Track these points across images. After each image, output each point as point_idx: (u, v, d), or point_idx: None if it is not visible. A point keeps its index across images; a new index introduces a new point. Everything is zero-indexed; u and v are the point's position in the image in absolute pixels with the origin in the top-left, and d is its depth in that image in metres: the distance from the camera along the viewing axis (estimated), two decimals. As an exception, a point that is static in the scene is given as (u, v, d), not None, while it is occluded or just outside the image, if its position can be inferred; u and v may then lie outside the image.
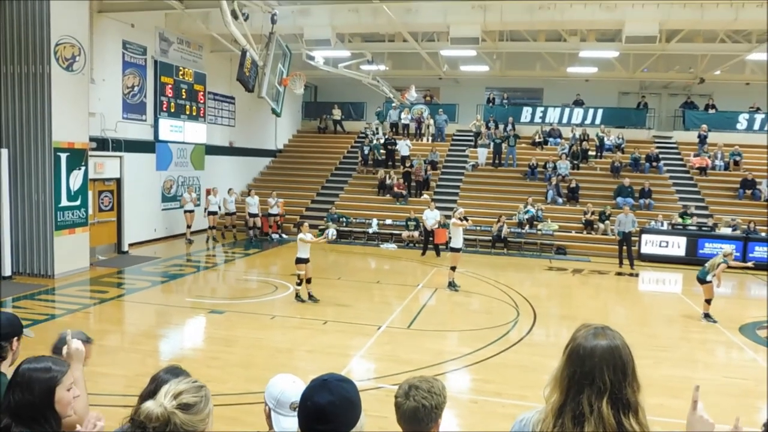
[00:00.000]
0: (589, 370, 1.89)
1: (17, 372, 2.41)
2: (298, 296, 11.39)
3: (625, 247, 16.75)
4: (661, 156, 22.43)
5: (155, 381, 2.69)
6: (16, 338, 2.99)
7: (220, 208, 19.27)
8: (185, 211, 18.30)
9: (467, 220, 13.50)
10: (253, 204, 19.47)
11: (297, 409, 2.34)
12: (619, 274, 15.84)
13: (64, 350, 3.05)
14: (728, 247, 12.30)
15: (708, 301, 10.92)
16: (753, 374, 8.02)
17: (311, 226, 14.21)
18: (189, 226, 18.36)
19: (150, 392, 2.62)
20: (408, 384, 2.31)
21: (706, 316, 10.90)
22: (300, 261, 11.24)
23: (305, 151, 26.02)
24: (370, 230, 20.03)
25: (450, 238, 13.52)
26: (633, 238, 17.32)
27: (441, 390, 2.33)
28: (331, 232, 17.18)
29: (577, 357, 1.93)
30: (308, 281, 11.38)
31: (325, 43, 16.46)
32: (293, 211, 21.25)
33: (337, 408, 1.93)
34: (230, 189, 20.10)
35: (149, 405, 1.91)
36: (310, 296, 11.35)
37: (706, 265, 11.14)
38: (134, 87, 16.86)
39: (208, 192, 19.81)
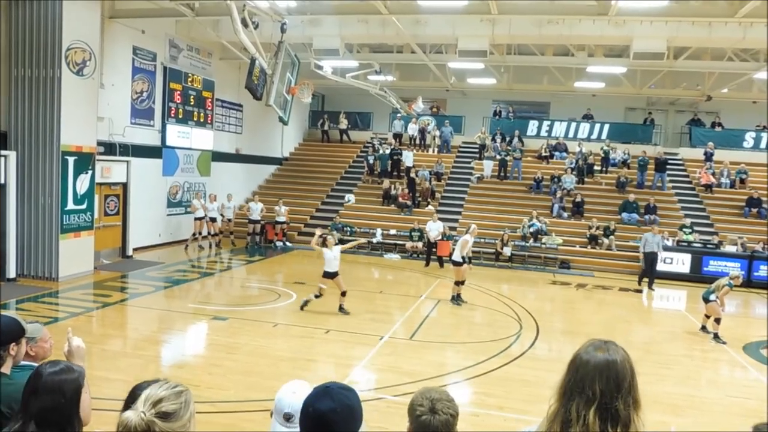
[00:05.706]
0: (581, 379, 1.96)
1: (39, 378, 2.31)
2: (305, 302, 11.20)
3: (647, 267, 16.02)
4: (666, 172, 22.36)
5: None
6: (15, 343, 2.88)
7: (222, 215, 19.21)
8: (196, 219, 18.28)
9: (470, 261, 13.42)
10: (256, 210, 19.46)
11: (290, 420, 2.31)
12: (623, 289, 15.77)
13: (65, 347, 3.00)
14: (735, 271, 12.22)
15: (717, 321, 10.81)
16: (756, 393, 7.96)
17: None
18: (194, 234, 18.26)
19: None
20: (425, 398, 2.16)
21: (715, 336, 10.76)
22: (327, 275, 11.06)
23: (311, 159, 26.08)
24: (375, 240, 20.02)
25: (453, 250, 13.43)
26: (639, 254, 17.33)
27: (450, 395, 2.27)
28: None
29: (573, 366, 2.02)
30: (343, 294, 11.22)
31: (334, 52, 16.55)
32: (298, 219, 21.28)
33: (338, 415, 1.94)
34: (229, 194, 19.76)
35: (128, 414, 1.88)
36: (341, 308, 11.21)
37: (712, 285, 11.13)
38: (143, 92, 16.97)
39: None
